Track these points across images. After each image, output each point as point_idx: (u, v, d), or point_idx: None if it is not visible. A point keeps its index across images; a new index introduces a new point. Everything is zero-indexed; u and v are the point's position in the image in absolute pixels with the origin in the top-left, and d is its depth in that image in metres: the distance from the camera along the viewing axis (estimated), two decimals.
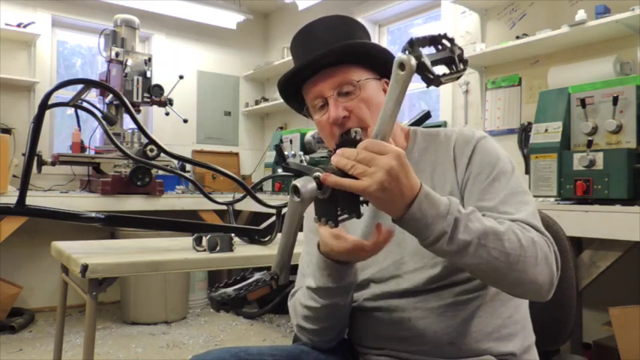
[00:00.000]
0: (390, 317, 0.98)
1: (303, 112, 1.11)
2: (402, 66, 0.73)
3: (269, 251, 1.80)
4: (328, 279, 0.93)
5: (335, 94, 1.00)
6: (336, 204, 0.79)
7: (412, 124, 2.23)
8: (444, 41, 0.79)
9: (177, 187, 3.98)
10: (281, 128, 4.73)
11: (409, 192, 0.77)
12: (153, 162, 2.59)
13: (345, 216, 0.80)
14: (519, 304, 1.00)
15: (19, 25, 3.84)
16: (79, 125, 3.34)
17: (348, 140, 0.81)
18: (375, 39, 4.20)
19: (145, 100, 3.73)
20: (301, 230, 1.07)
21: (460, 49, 0.81)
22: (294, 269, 1.04)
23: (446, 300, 0.95)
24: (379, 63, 1.03)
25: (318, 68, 1.01)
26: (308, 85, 1.04)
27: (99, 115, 2.16)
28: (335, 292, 0.95)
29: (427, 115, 2.59)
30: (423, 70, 0.74)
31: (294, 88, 1.07)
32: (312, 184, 0.77)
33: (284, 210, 2.04)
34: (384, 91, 1.04)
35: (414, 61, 0.72)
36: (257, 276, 0.89)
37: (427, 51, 0.77)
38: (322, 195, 0.77)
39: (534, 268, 0.83)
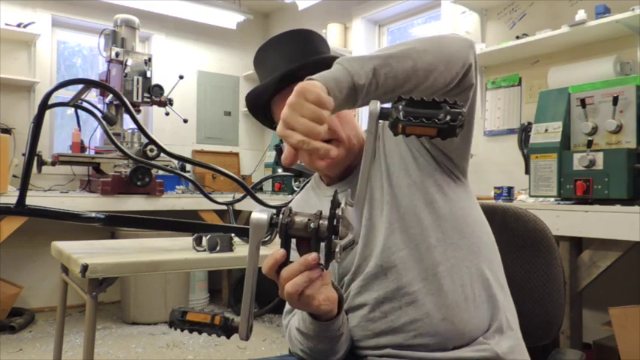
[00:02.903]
0: (380, 309, 0.99)
1: (273, 126, 1.14)
2: (371, 113, 0.74)
3: (269, 251, 1.80)
4: (310, 327, 0.94)
5: None
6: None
7: None
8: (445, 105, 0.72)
9: (177, 187, 3.98)
10: None
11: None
12: (153, 162, 2.59)
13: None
14: (492, 266, 1.02)
15: (19, 25, 3.84)
16: (79, 125, 3.35)
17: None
18: (375, 39, 4.21)
19: (145, 100, 3.73)
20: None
21: (452, 113, 0.69)
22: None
23: (423, 275, 0.96)
24: None
25: (290, 82, 1.04)
26: (279, 98, 1.07)
27: (99, 115, 2.16)
28: (317, 340, 0.95)
29: None
30: (386, 118, 0.72)
31: (262, 102, 1.11)
32: (264, 218, 0.76)
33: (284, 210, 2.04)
34: None
35: (378, 108, 0.73)
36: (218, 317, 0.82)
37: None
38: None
39: (442, 40, 0.89)
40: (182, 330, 0.81)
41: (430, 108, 0.69)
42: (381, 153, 1.05)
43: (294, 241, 0.79)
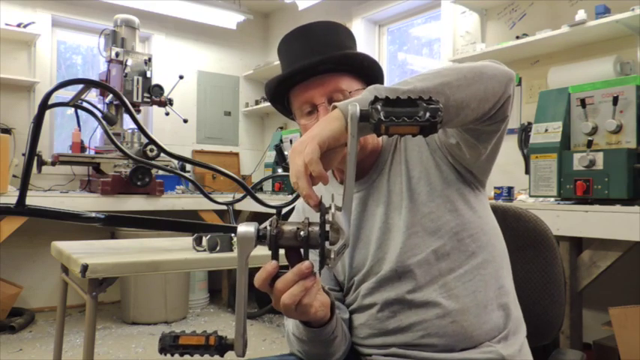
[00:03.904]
0: (389, 309, 0.99)
1: (291, 116, 1.13)
2: (352, 116, 0.72)
3: (269, 251, 1.80)
4: (303, 332, 0.94)
5: (325, 102, 1.03)
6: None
7: None
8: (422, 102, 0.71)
9: (177, 187, 3.98)
10: (281, 128, 4.73)
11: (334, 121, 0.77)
12: (153, 162, 2.59)
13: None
14: (505, 274, 1.03)
15: (19, 25, 3.84)
16: (79, 125, 3.35)
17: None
18: (375, 39, 4.21)
19: (145, 100, 3.73)
20: None
21: (431, 110, 0.69)
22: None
23: (437, 281, 0.97)
24: (368, 73, 1.08)
25: (310, 74, 1.04)
26: (298, 90, 1.06)
27: (99, 115, 2.16)
28: (311, 344, 0.95)
29: None
30: (367, 120, 0.71)
31: (281, 91, 1.10)
32: (251, 230, 0.74)
33: (285, 210, 2.04)
34: None
35: (357, 110, 0.71)
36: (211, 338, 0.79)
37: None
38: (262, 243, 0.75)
39: (483, 70, 0.87)
40: (172, 355, 0.78)
41: (408, 106, 0.69)
42: (402, 158, 1.04)
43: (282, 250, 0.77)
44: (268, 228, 0.74)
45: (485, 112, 0.88)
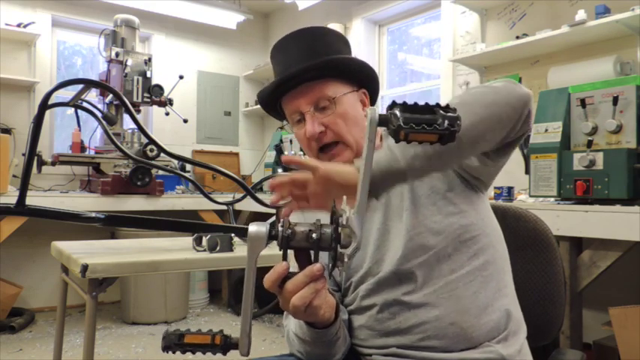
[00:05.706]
0: (389, 310, 0.99)
1: (286, 120, 1.15)
2: (370, 120, 0.71)
3: (268, 251, 1.80)
4: (307, 333, 0.93)
5: (312, 110, 1.04)
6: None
7: None
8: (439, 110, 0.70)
9: (177, 187, 3.98)
10: (281, 128, 4.73)
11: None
12: (153, 162, 2.60)
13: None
14: (506, 276, 1.03)
15: (19, 25, 3.84)
16: (79, 125, 3.35)
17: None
18: (374, 39, 4.20)
19: (145, 100, 3.73)
20: None
21: (450, 118, 0.68)
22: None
23: (437, 282, 0.97)
24: (358, 75, 1.08)
25: (296, 83, 1.04)
26: (286, 99, 1.08)
27: (99, 115, 2.16)
28: (314, 345, 0.95)
29: None
30: (385, 125, 0.70)
31: (273, 99, 1.11)
32: (263, 230, 0.74)
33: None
34: (362, 102, 1.10)
35: (376, 115, 0.71)
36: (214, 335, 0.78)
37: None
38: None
39: (495, 91, 0.89)
40: (174, 352, 0.77)
41: (426, 113, 0.68)
42: None
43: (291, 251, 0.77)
44: (280, 229, 0.74)
45: (503, 137, 0.90)
